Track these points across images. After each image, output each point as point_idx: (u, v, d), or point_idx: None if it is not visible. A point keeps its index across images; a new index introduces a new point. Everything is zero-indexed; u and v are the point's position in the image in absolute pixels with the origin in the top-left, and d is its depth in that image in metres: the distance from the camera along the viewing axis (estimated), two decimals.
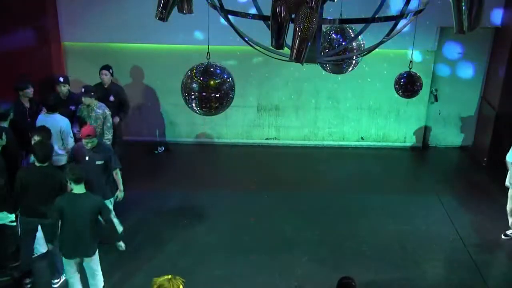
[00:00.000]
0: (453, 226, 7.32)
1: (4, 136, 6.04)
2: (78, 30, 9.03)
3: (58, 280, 6.10)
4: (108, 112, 7.35)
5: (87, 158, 6.23)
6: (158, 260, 6.45)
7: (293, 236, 7.04)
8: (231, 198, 7.95)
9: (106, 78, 7.99)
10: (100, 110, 7.30)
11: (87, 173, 5.89)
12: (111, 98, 7.86)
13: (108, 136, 7.38)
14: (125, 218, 7.34)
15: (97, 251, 5.60)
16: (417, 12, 3.32)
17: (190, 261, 6.44)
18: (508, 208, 7.00)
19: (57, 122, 6.84)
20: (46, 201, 5.57)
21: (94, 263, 5.64)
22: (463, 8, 2.87)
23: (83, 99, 7.21)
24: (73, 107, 7.54)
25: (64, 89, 7.61)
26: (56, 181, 5.74)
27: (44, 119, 6.86)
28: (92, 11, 8.90)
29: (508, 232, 7.06)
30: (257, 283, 6.15)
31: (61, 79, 7.67)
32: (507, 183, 6.96)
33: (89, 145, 6.19)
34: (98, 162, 6.27)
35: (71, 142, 6.96)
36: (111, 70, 8.04)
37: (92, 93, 7.21)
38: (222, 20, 3.39)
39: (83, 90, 7.23)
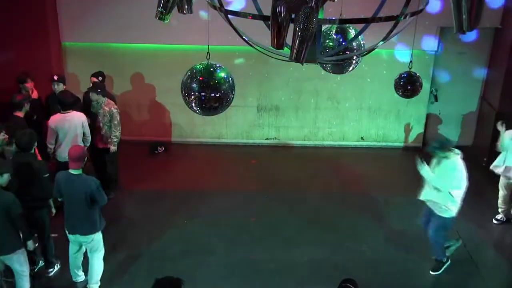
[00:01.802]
0: (453, 226, 7.30)
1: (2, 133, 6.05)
2: (78, 30, 9.03)
3: (52, 269, 6.17)
4: (114, 109, 7.40)
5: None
6: (158, 260, 6.45)
7: (293, 236, 7.04)
8: (231, 198, 7.94)
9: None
10: (106, 107, 7.37)
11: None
12: None
13: (116, 133, 7.48)
14: (125, 218, 7.37)
15: (20, 250, 5.41)
16: (417, 12, 3.31)
17: (190, 261, 6.44)
18: (500, 195, 7.27)
19: (78, 118, 6.98)
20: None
21: (16, 262, 5.43)
22: (463, 8, 2.87)
23: (90, 94, 7.35)
24: None
25: (58, 87, 7.55)
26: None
27: (63, 117, 6.90)
28: (92, 11, 8.90)
29: (498, 217, 7.32)
30: (257, 283, 6.14)
31: (55, 77, 7.64)
32: (493, 167, 7.16)
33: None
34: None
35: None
36: (100, 78, 7.91)
37: (99, 90, 7.32)
38: (222, 20, 3.39)
39: (90, 85, 7.47)
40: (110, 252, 6.43)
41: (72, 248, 5.87)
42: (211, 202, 7.82)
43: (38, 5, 8.52)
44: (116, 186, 7.95)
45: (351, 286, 4.22)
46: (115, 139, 7.51)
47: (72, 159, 5.48)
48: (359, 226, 7.29)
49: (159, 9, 3.43)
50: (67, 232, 5.72)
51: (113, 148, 7.55)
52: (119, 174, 8.02)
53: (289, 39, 2.89)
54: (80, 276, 6.04)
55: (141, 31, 8.76)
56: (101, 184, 5.60)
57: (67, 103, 6.91)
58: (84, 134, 7.06)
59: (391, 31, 3.34)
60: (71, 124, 6.91)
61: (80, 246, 5.84)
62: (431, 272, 6.38)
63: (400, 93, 5.60)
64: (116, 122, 7.41)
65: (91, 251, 5.80)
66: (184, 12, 3.55)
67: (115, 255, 6.49)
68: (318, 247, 6.78)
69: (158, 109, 9.71)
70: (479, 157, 9.29)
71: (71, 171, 5.50)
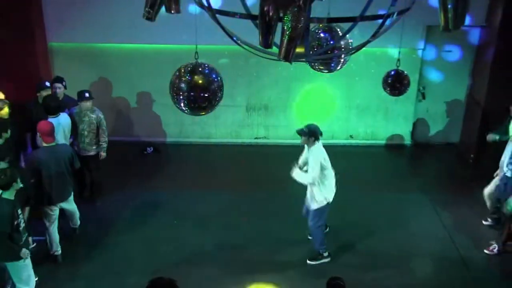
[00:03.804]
0: (442, 223, 7.37)
1: None
2: (65, 30, 8.95)
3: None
4: (101, 115, 7.27)
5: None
6: (150, 260, 6.42)
7: (286, 236, 7.03)
8: (222, 197, 7.93)
9: (60, 91, 7.50)
10: (94, 114, 7.21)
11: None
12: (66, 111, 7.26)
13: (105, 139, 7.34)
14: (116, 218, 7.32)
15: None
16: (404, 11, 3.34)
17: (183, 262, 6.41)
18: (485, 192, 7.06)
19: (66, 120, 6.97)
20: None
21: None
22: (449, 6, 2.91)
23: (82, 104, 7.08)
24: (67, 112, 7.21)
25: (45, 94, 7.22)
26: None
27: (57, 121, 6.69)
28: (78, 11, 8.83)
29: (490, 219, 7.21)
30: (249, 283, 6.14)
31: (47, 84, 7.45)
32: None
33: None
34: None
35: None
36: (64, 83, 7.59)
37: (92, 98, 7.17)
38: (210, 19, 3.39)
39: (86, 95, 7.09)
40: (101, 253, 6.40)
41: (56, 222, 6.25)
42: (201, 202, 7.81)
43: (23, 5, 8.43)
44: (101, 193, 7.77)
45: (341, 283, 4.24)
46: (105, 145, 7.34)
47: (46, 133, 5.94)
48: (347, 223, 7.31)
49: (147, 8, 3.42)
50: (53, 206, 6.13)
51: (103, 154, 7.37)
52: (110, 175, 7.98)
53: (277, 38, 2.89)
54: (60, 248, 6.36)
55: (128, 31, 8.72)
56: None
57: (52, 107, 6.72)
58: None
59: (378, 29, 3.37)
60: (63, 127, 6.80)
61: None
62: (308, 261, 6.42)
63: (388, 91, 5.63)
64: (104, 127, 7.28)
65: (71, 209, 6.50)
66: (172, 11, 3.54)
67: (106, 256, 6.45)
68: (309, 246, 6.80)
69: (146, 109, 9.67)
70: (466, 154, 9.40)
71: (47, 144, 5.97)
